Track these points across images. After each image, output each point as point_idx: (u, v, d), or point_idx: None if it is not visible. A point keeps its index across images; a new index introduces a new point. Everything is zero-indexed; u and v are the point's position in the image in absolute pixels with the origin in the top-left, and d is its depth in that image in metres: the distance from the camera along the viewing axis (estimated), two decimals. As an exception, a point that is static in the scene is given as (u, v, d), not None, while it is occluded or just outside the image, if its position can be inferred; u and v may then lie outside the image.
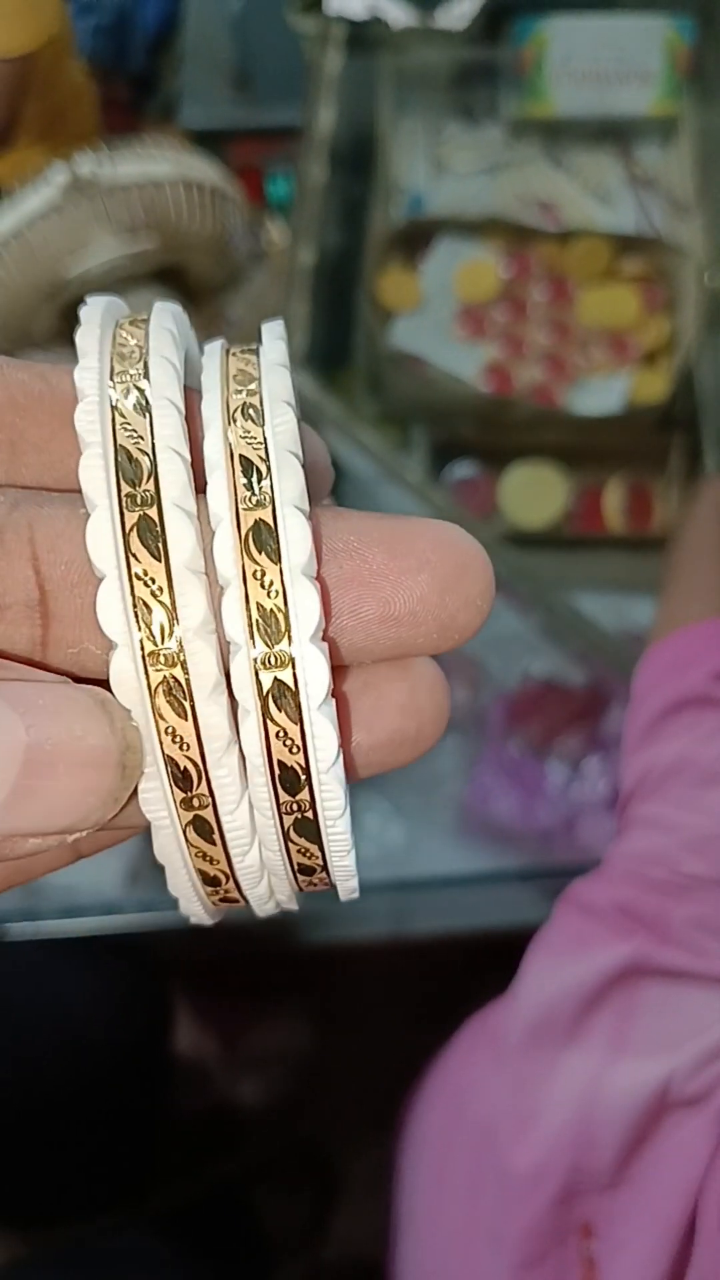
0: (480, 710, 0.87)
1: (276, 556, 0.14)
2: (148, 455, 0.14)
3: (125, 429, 0.14)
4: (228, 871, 0.15)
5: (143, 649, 0.13)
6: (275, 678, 0.14)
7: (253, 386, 0.15)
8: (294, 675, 0.14)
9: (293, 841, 0.15)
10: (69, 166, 0.81)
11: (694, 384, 0.93)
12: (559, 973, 0.50)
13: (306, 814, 0.15)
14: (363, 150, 1.01)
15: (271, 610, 0.14)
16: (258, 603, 0.14)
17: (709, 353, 0.93)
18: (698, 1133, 0.43)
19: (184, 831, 0.15)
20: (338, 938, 0.91)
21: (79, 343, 0.15)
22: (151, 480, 0.14)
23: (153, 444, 0.14)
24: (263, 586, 0.14)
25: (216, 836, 0.15)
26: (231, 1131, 0.94)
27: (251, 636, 0.14)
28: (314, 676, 0.14)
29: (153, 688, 0.14)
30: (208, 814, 0.14)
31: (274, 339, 0.16)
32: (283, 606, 0.14)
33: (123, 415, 0.14)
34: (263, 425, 0.14)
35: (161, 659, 0.13)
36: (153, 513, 0.13)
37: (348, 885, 0.17)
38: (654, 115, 1.04)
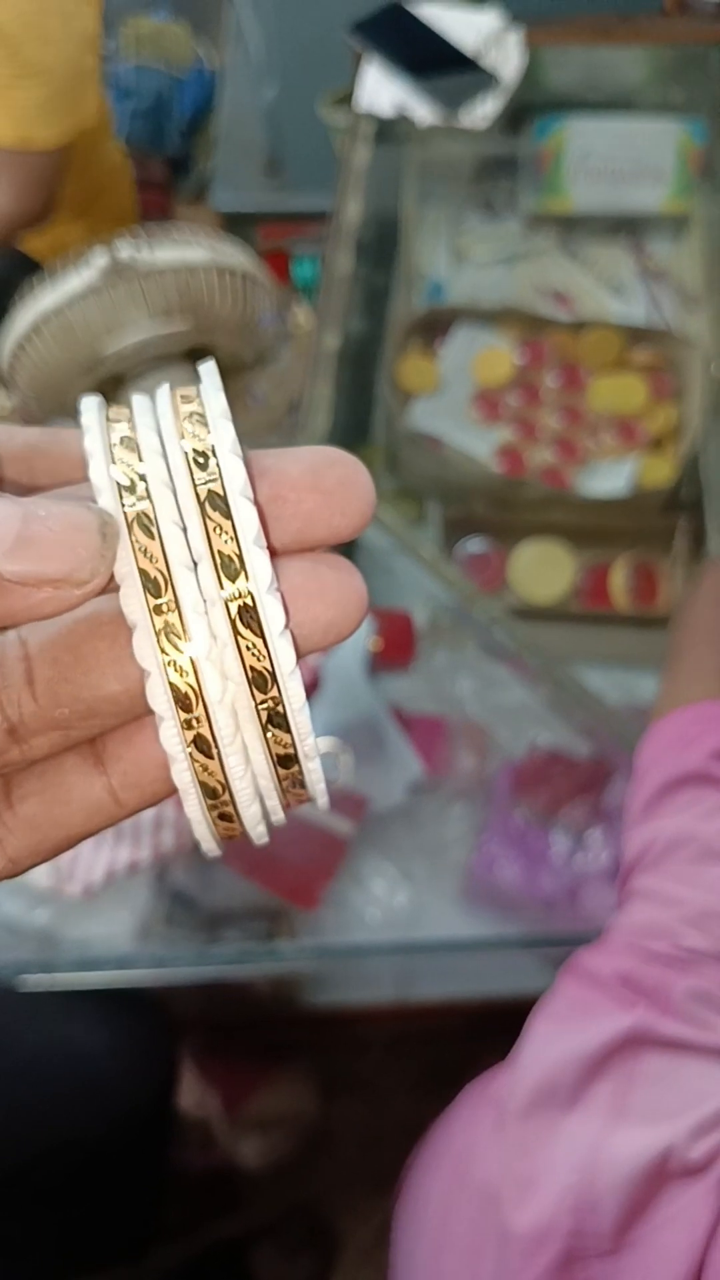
0: (487, 778, 0.88)
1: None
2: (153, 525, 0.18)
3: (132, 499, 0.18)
4: (223, 782, 0.19)
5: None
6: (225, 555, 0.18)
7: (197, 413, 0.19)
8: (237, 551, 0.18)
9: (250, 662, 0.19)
10: (109, 250, 0.85)
11: (699, 469, 0.96)
12: (561, 1040, 0.51)
13: (262, 661, 0.19)
14: (386, 239, 1.06)
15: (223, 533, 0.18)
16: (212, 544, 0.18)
17: (714, 439, 0.97)
18: (698, 1201, 0.44)
19: (189, 748, 0.19)
20: (342, 1002, 0.92)
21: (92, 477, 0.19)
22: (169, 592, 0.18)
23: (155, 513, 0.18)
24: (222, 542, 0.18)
25: (213, 748, 0.19)
26: (233, 1192, 0.94)
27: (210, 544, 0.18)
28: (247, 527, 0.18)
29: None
30: (205, 731, 0.19)
31: (211, 382, 0.20)
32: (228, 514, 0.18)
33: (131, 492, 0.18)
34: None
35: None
36: (174, 618, 0.18)
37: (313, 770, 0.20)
38: (666, 212, 1.09)
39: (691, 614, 0.74)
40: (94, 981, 0.76)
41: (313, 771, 0.20)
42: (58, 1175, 0.70)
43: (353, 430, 0.98)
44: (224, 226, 1.41)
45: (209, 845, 0.20)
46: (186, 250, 0.87)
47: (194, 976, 0.78)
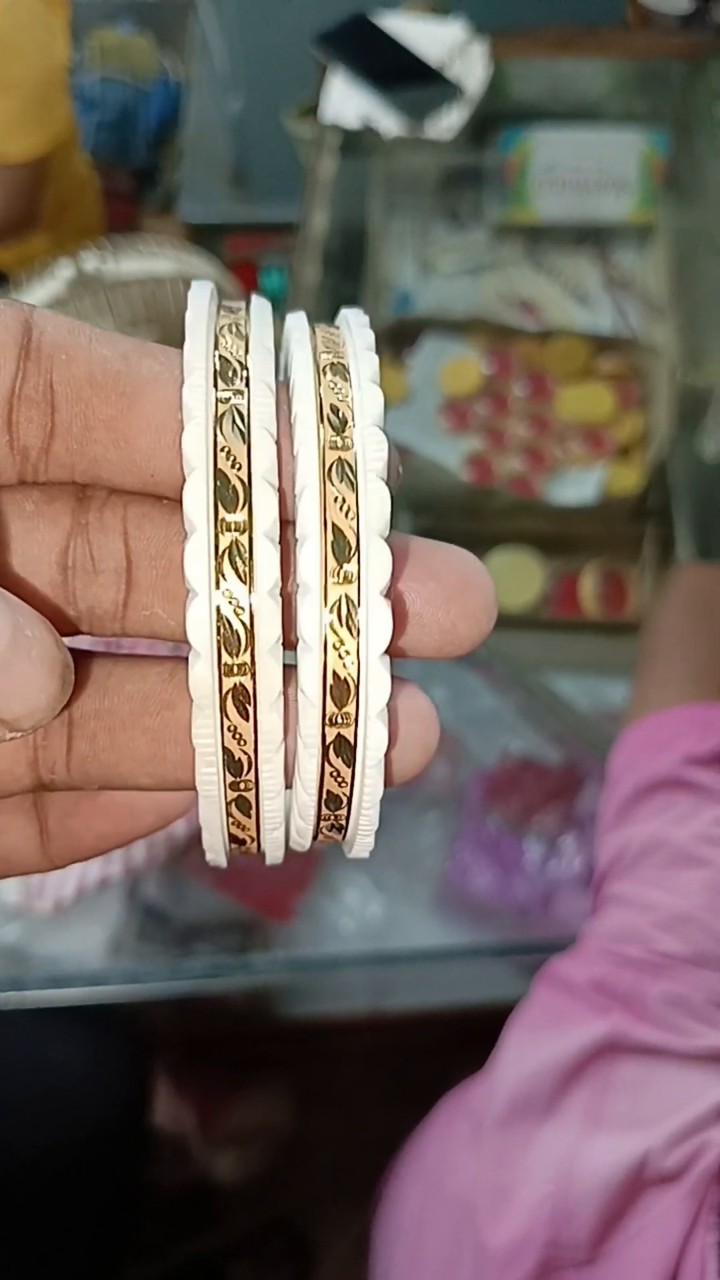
0: (460, 786, 0.89)
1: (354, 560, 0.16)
2: (243, 484, 0.15)
3: (224, 454, 0.15)
4: (253, 801, 0.17)
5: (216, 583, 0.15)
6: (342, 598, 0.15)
7: (343, 385, 0.16)
8: (352, 609, 0.15)
9: (330, 762, 0.16)
10: (75, 262, 0.85)
11: (666, 476, 0.97)
12: (537, 1049, 0.51)
13: (346, 731, 0.16)
14: (353, 250, 1.06)
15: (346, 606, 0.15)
16: (340, 601, 0.15)
17: (680, 447, 0.97)
18: (674, 1209, 0.44)
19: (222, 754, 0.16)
20: (317, 1013, 0.92)
21: (186, 355, 0.16)
22: (245, 509, 0.15)
23: (249, 474, 0.15)
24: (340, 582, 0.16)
25: (251, 763, 0.16)
26: (209, 1207, 0.93)
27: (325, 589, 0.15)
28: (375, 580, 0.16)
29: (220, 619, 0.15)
30: (249, 734, 0.16)
31: (360, 327, 0.17)
32: (355, 573, 0.15)
33: (223, 438, 0.15)
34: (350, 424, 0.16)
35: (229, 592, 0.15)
36: (243, 539, 0.15)
37: (366, 832, 0.17)
38: (631, 221, 1.10)
39: (661, 620, 0.74)
40: (65, 999, 0.75)
41: (366, 823, 0.17)
42: (29, 1195, 0.69)
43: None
44: (191, 238, 1.41)
45: (217, 857, 0.18)
46: (152, 261, 0.87)
47: (167, 991, 0.77)
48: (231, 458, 0.15)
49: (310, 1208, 0.94)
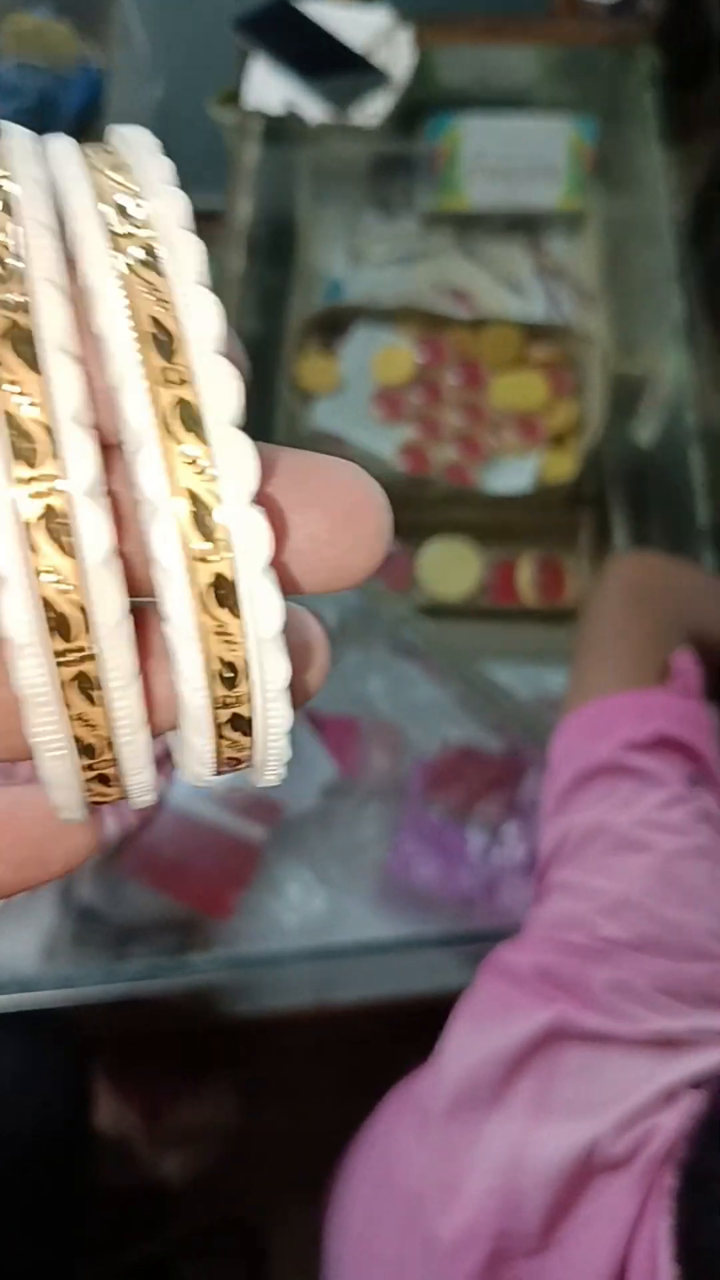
0: (400, 777, 0.88)
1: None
2: (45, 430, 0.12)
3: (11, 388, 0.12)
4: (107, 738, 0.14)
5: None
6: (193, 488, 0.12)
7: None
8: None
9: (225, 737, 0.14)
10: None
11: (601, 464, 0.97)
12: (482, 1038, 0.51)
13: (241, 710, 0.13)
14: (282, 239, 1.05)
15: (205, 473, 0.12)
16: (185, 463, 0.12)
17: (614, 434, 0.98)
18: (623, 1194, 0.44)
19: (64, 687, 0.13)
20: (261, 1009, 0.91)
21: None
22: (53, 461, 0.12)
23: (51, 415, 0.12)
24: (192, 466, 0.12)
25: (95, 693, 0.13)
26: (157, 1207, 0.92)
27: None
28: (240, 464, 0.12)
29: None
30: (88, 669, 0.13)
31: (150, 154, 0.14)
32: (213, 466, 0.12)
33: (4, 368, 0.12)
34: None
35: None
36: (56, 500, 0.12)
37: (276, 751, 0.15)
38: (561, 209, 1.10)
39: (598, 608, 0.74)
40: (-1, 1005, 0.74)
41: (274, 752, 0.14)
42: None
43: (253, 431, 0.96)
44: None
45: (72, 813, 0.15)
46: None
47: (105, 995, 0.76)
48: (21, 392, 0.12)
49: (261, 1204, 0.94)
